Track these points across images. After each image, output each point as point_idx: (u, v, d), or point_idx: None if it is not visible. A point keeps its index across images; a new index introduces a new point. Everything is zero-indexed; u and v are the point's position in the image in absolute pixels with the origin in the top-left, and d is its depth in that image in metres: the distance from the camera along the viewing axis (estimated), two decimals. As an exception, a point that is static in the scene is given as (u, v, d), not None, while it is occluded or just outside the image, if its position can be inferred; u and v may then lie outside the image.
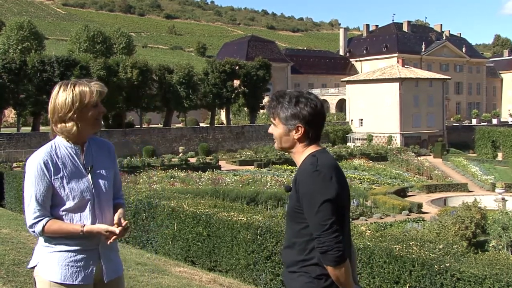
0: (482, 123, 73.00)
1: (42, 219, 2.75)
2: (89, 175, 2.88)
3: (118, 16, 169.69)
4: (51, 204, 2.79)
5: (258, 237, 8.67)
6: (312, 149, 2.69)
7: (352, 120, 64.84)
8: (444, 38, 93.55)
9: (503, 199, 29.26)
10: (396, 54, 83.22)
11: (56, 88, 2.86)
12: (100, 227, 2.84)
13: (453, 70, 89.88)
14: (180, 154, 45.14)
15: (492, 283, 6.11)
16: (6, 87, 46.42)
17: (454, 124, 73.56)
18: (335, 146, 56.45)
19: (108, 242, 2.86)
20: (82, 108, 2.82)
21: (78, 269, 2.81)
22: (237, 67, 61.16)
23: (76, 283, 2.80)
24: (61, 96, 2.81)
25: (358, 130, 63.12)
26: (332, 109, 74.46)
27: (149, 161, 41.62)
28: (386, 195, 30.02)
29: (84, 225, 2.81)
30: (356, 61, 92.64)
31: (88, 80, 2.90)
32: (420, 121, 61.98)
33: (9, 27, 76.92)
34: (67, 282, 2.79)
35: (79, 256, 2.82)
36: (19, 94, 47.79)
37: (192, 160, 43.70)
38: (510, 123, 77.95)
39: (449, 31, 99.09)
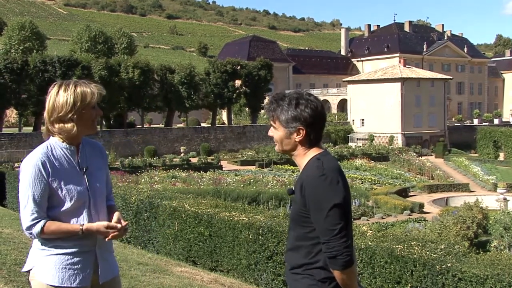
0: (483, 123, 72.90)
1: (40, 221, 2.72)
2: (85, 176, 2.87)
3: (119, 16, 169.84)
4: (48, 205, 2.76)
5: (260, 237, 8.67)
6: (314, 151, 2.66)
7: (353, 120, 64.80)
8: (445, 38, 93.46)
9: (504, 199, 29.21)
10: (398, 54, 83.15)
11: (55, 87, 2.84)
12: (100, 223, 2.83)
13: (454, 70, 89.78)
14: (182, 154, 45.15)
15: (494, 283, 6.10)
16: (8, 87, 46.52)
17: (456, 124, 73.48)
18: (337, 146, 56.43)
19: (107, 239, 2.85)
20: (83, 109, 2.81)
21: (76, 271, 2.79)
22: (239, 67, 61.19)
23: (74, 286, 2.78)
24: (62, 95, 2.79)
25: (359, 130, 63.09)
26: (334, 109, 74.43)
27: (150, 161, 41.66)
28: (387, 195, 30.00)
29: (83, 224, 2.80)
30: (357, 61, 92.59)
31: (87, 81, 2.90)
32: (421, 121, 61.94)
33: (11, 27, 77.02)
34: (65, 285, 2.77)
35: (76, 259, 2.79)
36: (21, 94, 47.89)
37: (194, 160, 43.71)
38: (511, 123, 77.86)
39: (450, 31, 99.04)
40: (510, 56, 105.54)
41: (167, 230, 10.52)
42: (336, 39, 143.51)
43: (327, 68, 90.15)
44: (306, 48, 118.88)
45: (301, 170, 2.68)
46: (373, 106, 61.82)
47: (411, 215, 27.38)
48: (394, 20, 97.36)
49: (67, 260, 2.78)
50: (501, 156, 53.12)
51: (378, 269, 7.19)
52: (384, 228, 22.28)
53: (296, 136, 2.64)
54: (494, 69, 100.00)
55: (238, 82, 61.38)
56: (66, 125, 2.80)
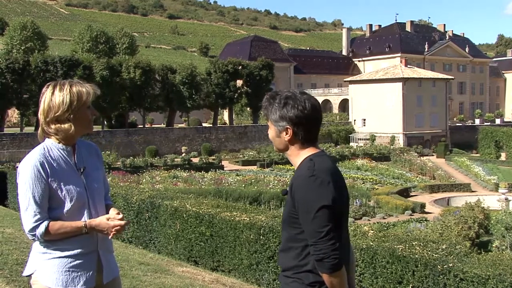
0: (485, 123, 72.83)
1: (44, 221, 2.69)
2: (82, 176, 2.86)
3: (121, 16, 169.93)
4: (48, 206, 2.73)
5: (261, 237, 8.67)
6: (308, 151, 2.62)
7: (355, 120, 64.79)
8: (447, 38, 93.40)
9: (506, 199, 29.17)
10: (399, 54, 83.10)
11: (50, 88, 2.83)
12: (101, 217, 2.82)
13: (456, 70, 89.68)
14: (183, 154, 45.17)
15: (496, 284, 6.09)
16: (10, 87, 46.58)
17: (457, 124, 73.42)
18: (338, 146, 56.42)
19: (110, 236, 2.84)
20: (79, 108, 2.80)
21: (79, 273, 2.77)
22: (240, 67, 61.21)
23: None
24: (58, 95, 2.78)
25: (361, 130, 63.07)
26: (335, 109, 74.43)
27: (152, 161, 41.69)
28: (389, 195, 29.98)
29: (85, 220, 2.79)
30: (359, 61, 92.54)
31: (82, 81, 2.90)
32: (423, 121, 61.90)
33: (12, 27, 77.07)
34: None
35: (79, 261, 2.77)
36: (23, 94, 47.94)
37: (195, 160, 43.73)
38: (513, 123, 77.75)
39: (452, 31, 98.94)
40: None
41: (168, 230, 10.52)
42: (338, 39, 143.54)
43: (328, 68, 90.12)
44: (308, 48, 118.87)
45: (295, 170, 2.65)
46: (374, 106, 61.80)
47: (413, 215, 27.36)
48: (396, 20, 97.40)
49: (70, 262, 2.76)
50: (503, 156, 53.05)
51: (379, 269, 7.19)
52: (385, 228, 22.29)
53: (285, 135, 2.61)
54: (495, 69, 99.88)
55: (239, 82, 61.40)
56: (63, 125, 2.79)
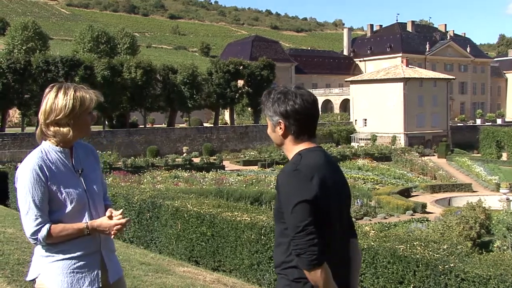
0: (486, 123, 72.79)
1: (45, 224, 2.68)
2: (81, 177, 2.86)
3: (122, 16, 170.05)
4: (48, 209, 2.72)
5: (262, 237, 8.67)
6: (302, 146, 2.61)
7: (356, 120, 64.76)
8: (448, 38, 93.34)
9: (507, 199, 29.18)
10: (400, 54, 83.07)
11: (54, 90, 2.82)
12: (102, 218, 2.82)
13: (457, 70, 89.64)
14: (184, 154, 45.19)
15: (497, 284, 6.09)
16: (11, 87, 46.63)
17: (459, 124, 73.39)
18: (339, 146, 56.46)
19: (112, 236, 2.83)
20: (80, 114, 2.80)
21: (84, 274, 2.77)
22: (241, 67, 61.22)
23: None
24: (62, 99, 2.77)
25: (362, 130, 63.04)
26: (336, 109, 74.42)
27: (153, 161, 41.70)
28: (390, 195, 29.99)
29: (87, 222, 2.78)
30: (360, 61, 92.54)
31: (86, 87, 2.90)
32: (424, 121, 61.86)
33: (13, 27, 77.21)
34: None
35: (83, 262, 2.77)
36: (24, 94, 48.01)
37: (196, 160, 43.74)
38: (514, 123, 77.68)
39: (453, 31, 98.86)
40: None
41: (169, 230, 10.53)
42: (339, 39, 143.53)
43: (329, 68, 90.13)
44: (309, 48, 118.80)
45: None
46: (375, 106, 61.78)
47: (414, 215, 27.37)
48: (397, 20, 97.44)
49: (74, 264, 2.75)
50: (504, 156, 53.03)
51: (380, 269, 7.19)
52: (386, 228, 22.26)
53: (279, 130, 2.63)
54: (497, 69, 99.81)
55: (240, 82, 61.40)
56: (62, 129, 2.78)
